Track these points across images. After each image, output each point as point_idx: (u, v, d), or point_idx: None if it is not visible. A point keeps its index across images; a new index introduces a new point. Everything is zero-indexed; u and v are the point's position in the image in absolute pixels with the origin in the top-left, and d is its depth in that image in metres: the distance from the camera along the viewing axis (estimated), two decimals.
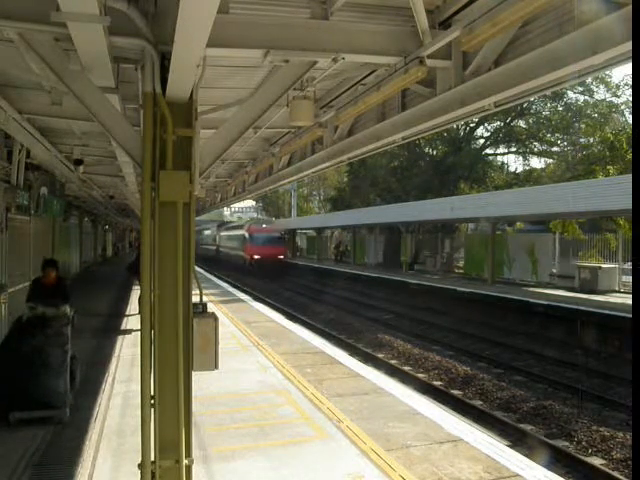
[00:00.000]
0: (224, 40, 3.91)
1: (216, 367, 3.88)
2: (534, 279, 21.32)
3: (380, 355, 14.09)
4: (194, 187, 3.75)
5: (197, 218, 44.37)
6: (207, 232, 60.59)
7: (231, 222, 60.78)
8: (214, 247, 53.30)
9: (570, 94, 30.90)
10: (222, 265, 45.36)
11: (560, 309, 15.50)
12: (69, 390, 5.96)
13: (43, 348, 5.87)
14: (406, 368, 12.78)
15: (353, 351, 13.85)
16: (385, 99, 5.66)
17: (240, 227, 45.74)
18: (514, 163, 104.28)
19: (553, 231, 22.07)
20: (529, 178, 34.02)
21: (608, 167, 23.12)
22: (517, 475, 4.97)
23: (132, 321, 12.59)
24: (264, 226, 41.45)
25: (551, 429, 8.89)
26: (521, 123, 34.26)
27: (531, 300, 16.86)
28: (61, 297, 6.76)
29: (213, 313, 3.98)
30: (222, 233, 51.71)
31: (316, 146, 9.11)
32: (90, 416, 6.32)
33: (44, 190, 13.19)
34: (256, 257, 37.51)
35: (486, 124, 34.31)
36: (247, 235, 39.75)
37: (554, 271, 21.13)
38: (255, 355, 9.73)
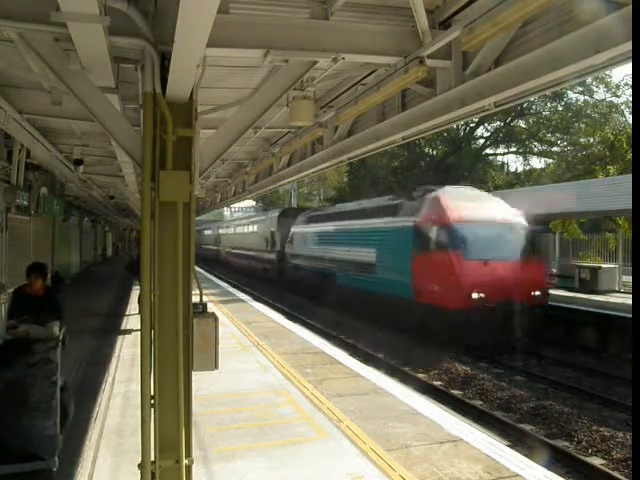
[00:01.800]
0: (224, 40, 3.91)
1: (216, 367, 3.87)
2: None
3: (380, 355, 14.07)
4: (194, 187, 3.75)
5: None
6: (246, 229, 37.52)
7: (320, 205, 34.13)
8: (271, 257, 29.54)
9: (570, 94, 30.91)
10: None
11: (560, 309, 15.49)
12: (59, 432, 4.60)
13: (24, 381, 4.48)
14: (406, 368, 12.76)
15: (353, 351, 13.83)
16: (385, 99, 5.67)
17: (384, 211, 17.78)
18: (514, 163, 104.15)
19: (553, 231, 22.08)
20: (529, 178, 34.07)
21: (608, 167, 23.15)
22: (517, 475, 4.97)
23: (132, 321, 12.59)
24: (476, 204, 15.09)
25: (551, 429, 8.88)
26: (521, 123, 34.27)
27: None
28: (52, 312, 5.47)
29: (213, 313, 3.98)
30: (301, 230, 25.75)
31: (316, 146, 9.12)
32: (90, 416, 6.32)
33: (44, 190, 13.20)
34: (478, 296, 13.15)
35: (486, 124, 34.32)
36: (435, 232, 14.54)
37: (554, 271, 21.12)
38: (255, 355, 9.72)
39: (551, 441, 8.22)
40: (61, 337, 4.92)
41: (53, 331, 4.81)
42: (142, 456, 3.67)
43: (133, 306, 14.65)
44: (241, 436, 5.85)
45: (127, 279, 19.89)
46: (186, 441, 3.75)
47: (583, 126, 30.28)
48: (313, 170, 9.76)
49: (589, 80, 28.36)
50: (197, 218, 40.26)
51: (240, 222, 41.80)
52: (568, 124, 31.01)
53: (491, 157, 37.68)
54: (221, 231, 47.40)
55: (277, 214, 30.84)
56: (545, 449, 7.82)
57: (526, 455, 5.89)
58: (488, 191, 28.49)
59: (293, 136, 9.07)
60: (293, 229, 26.79)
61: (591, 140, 28.93)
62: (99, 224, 36.85)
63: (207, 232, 57.88)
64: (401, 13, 4.45)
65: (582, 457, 7.72)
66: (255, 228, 34.80)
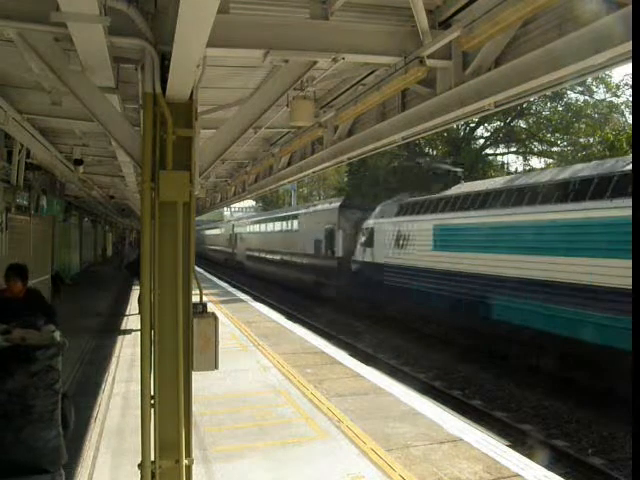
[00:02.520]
0: (224, 40, 3.91)
1: (216, 367, 3.87)
2: None
3: (380, 355, 14.09)
4: (194, 187, 3.75)
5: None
6: (280, 227, 29.23)
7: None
8: (327, 266, 21.47)
9: (570, 94, 30.91)
10: None
11: None
12: (63, 444, 4.37)
13: (26, 391, 4.13)
14: (406, 368, 12.77)
15: (353, 351, 13.84)
16: (385, 99, 5.66)
17: None
18: (514, 163, 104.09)
19: None
20: None
21: None
22: (517, 475, 4.97)
23: (132, 321, 12.59)
24: None
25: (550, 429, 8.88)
26: (521, 123, 34.27)
27: None
28: (43, 314, 4.82)
29: (213, 313, 3.97)
30: (390, 226, 17.31)
31: (316, 146, 9.11)
32: (90, 416, 6.32)
33: (44, 190, 13.20)
34: None
35: (486, 124, 34.31)
36: None
37: None
38: (255, 355, 9.73)
39: (551, 441, 8.20)
40: (61, 342, 4.43)
41: (54, 336, 4.40)
42: (142, 456, 3.67)
43: (133, 306, 14.65)
44: (241, 436, 5.85)
45: (127, 279, 19.90)
46: (186, 441, 3.75)
47: (583, 126, 30.28)
48: (313, 170, 9.76)
49: (589, 80, 28.35)
50: (202, 217, 38.06)
51: (270, 217, 32.36)
52: (568, 124, 31.01)
53: (491, 157, 37.67)
54: (239, 230, 38.65)
55: (338, 205, 21.38)
56: (545, 449, 7.82)
57: (526, 455, 5.89)
58: None
59: (293, 136, 9.06)
60: (372, 225, 17.97)
61: (591, 140, 28.93)
62: (99, 224, 36.85)
63: (216, 231, 51.37)
64: (401, 13, 4.45)
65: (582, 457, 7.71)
66: (295, 225, 25.78)
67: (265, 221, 33.33)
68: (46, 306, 5.37)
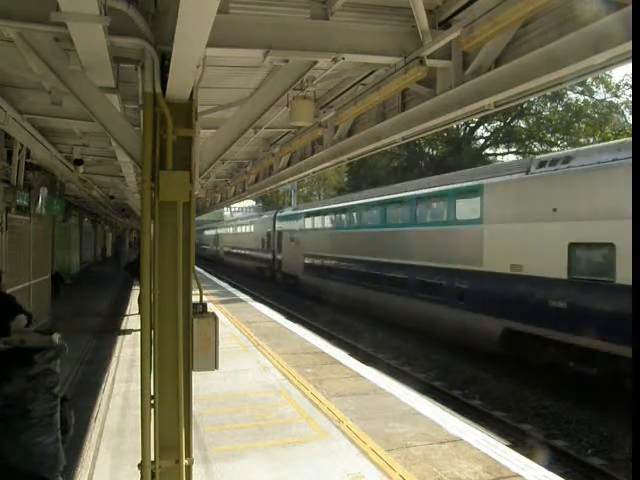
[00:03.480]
0: (224, 40, 3.91)
1: (216, 367, 3.87)
2: None
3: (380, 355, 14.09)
4: (194, 187, 3.75)
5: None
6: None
7: None
8: None
9: (570, 94, 30.91)
10: None
11: None
12: (61, 449, 4.20)
13: (24, 395, 4.01)
14: (406, 368, 12.78)
15: (353, 351, 13.84)
16: (385, 99, 5.66)
17: None
18: None
19: None
20: None
21: None
22: (517, 475, 4.97)
23: (132, 321, 12.59)
24: None
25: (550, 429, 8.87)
26: (521, 123, 34.29)
27: None
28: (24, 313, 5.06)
29: (213, 313, 3.97)
30: None
31: (316, 146, 9.12)
32: (90, 416, 6.32)
33: (44, 190, 13.19)
34: None
35: (486, 124, 34.34)
36: None
37: None
38: (255, 355, 9.73)
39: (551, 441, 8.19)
40: (61, 345, 4.36)
41: (53, 339, 4.33)
42: (142, 456, 3.68)
43: (133, 306, 14.65)
44: (241, 436, 5.85)
45: (127, 279, 19.92)
46: (186, 441, 3.75)
47: (583, 126, 30.28)
48: (313, 170, 9.77)
49: (589, 80, 28.36)
50: (202, 217, 36.07)
51: (369, 202, 18.51)
52: (568, 124, 31.01)
53: (491, 157, 37.68)
54: (288, 225, 26.05)
55: None
56: (545, 449, 7.81)
57: (526, 455, 5.89)
58: None
59: (293, 136, 9.06)
60: None
61: (591, 140, 28.94)
62: (99, 224, 36.86)
63: (242, 229, 36.24)
64: (401, 13, 4.45)
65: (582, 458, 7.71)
66: (467, 213, 13.09)
67: (349, 210, 19.59)
68: (24, 312, 5.22)
